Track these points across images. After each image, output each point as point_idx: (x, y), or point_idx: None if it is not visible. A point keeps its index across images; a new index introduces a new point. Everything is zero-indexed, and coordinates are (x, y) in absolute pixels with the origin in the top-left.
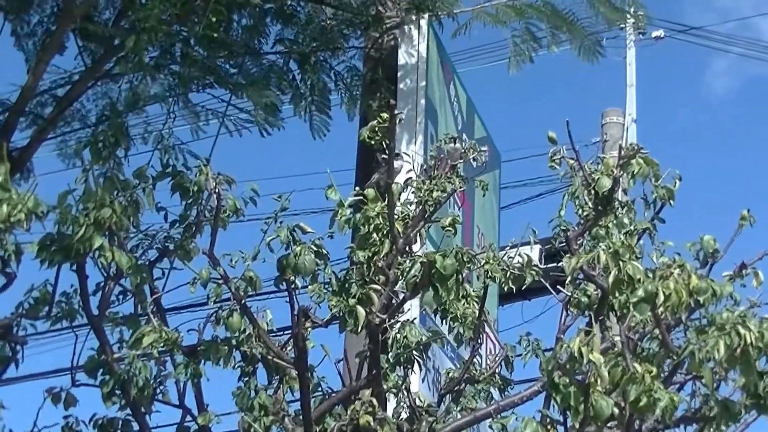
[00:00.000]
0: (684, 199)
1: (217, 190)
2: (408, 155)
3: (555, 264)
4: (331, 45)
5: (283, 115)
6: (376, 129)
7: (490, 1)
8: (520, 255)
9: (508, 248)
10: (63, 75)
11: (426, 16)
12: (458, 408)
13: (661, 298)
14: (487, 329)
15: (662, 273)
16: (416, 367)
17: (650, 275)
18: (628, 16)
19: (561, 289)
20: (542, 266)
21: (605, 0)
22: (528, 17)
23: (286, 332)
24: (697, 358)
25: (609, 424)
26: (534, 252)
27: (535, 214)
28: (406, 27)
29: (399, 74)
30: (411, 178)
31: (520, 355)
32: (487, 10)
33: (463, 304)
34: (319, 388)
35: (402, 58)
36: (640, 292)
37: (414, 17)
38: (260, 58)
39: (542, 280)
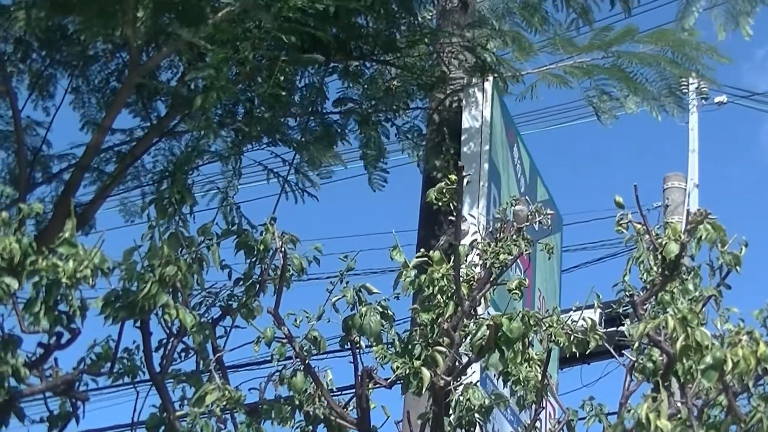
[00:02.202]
0: (746, 264)
1: (283, 249)
2: (473, 217)
3: (615, 328)
4: (395, 105)
5: (341, 174)
6: (444, 190)
7: (555, 63)
8: (583, 319)
9: (572, 312)
10: (126, 131)
11: (490, 78)
12: None
13: (730, 365)
14: (548, 393)
15: (730, 340)
16: (478, 430)
17: (717, 342)
18: (694, 75)
19: (623, 353)
20: (603, 330)
21: (670, 59)
22: (596, 76)
23: (344, 392)
24: (765, 426)
25: None
26: (594, 315)
27: (594, 278)
28: (470, 89)
29: (463, 138)
30: (476, 240)
31: (583, 419)
32: (552, 71)
33: (526, 367)
34: None
35: (466, 120)
36: (709, 359)
37: (478, 79)
38: (323, 117)
39: (606, 344)
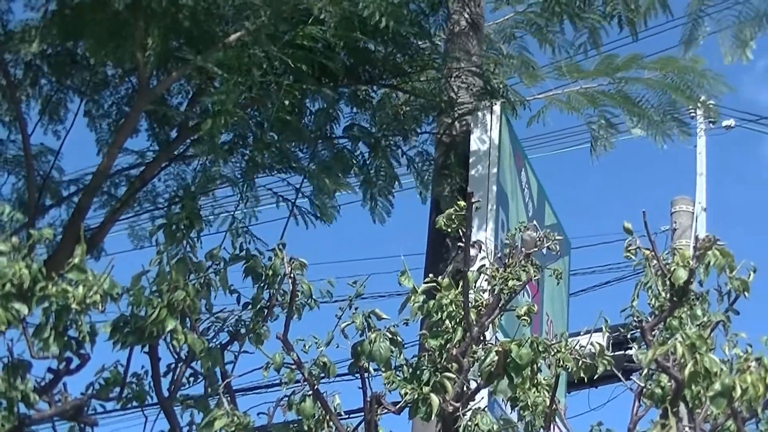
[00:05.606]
0: (755, 288)
1: (292, 275)
2: (481, 242)
3: (623, 352)
4: (403, 129)
5: (351, 197)
6: (453, 217)
7: (561, 88)
8: (592, 344)
9: (580, 335)
10: (136, 155)
11: (498, 102)
12: None
13: (738, 391)
14: (556, 418)
15: (739, 366)
16: None
17: (725, 368)
18: (699, 104)
19: (630, 376)
20: (611, 353)
21: (676, 87)
22: (601, 104)
23: (352, 415)
24: None
25: None
26: (602, 339)
27: (602, 301)
28: (478, 113)
29: (471, 160)
30: (484, 265)
31: None
32: (560, 97)
33: (534, 392)
34: None
35: (474, 144)
36: (717, 386)
37: (487, 104)
38: (332, 143)
39: (614, 369)
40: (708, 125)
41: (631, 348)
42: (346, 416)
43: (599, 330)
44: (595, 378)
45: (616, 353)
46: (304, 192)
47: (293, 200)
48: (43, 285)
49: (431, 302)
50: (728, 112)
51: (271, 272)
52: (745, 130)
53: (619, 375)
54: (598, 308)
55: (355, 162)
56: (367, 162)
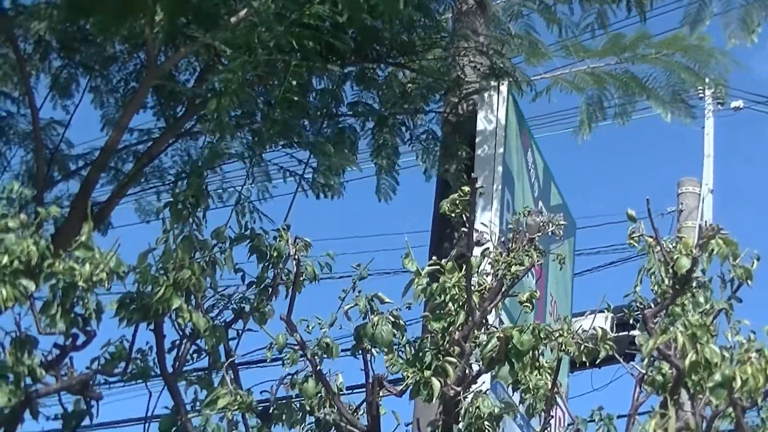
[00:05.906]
0: (759, 275)
1: (296, 257)
2: (485, 225)
3: (627, 333)
4: (410, 108)
5: (358, 173)
6: (457, 201)
7: (569, 67)
8: (594, 328)
9: (585, 316)
10: (143, 131)
11: (505, 82)
12: None
13: (738, 382)
14: (558, 400)
15: (740, 357)
16: None
17: (726, 354)
18: (707, 81)
19: (632, 355)
20: (614, 334)
21: (685, 66)
22: (606, 85)
23: (355, 391)
24: None
25: None
26: (606, 321)
27: (607, 281)
28: (485, 93)
29: (477, 140)
30: (488, 248)
31: (592, 421)
32: (566, 77)
33: (536, 375)
34: None
35: (480, 123)
36: (717, 377)
37: (493, 83)
38: (337, 120)
39: (615, 354)
40: (716, 106)
41: (634, 328)
42: (349, 392)
43: (602, 311)
44: (597, 360)
45: (620, 334)
46: (311, 165)
47: (300, 174)
48: (51, 262)
49: (434, 285)
50: (737, 94)
51: (275, 253)
52: (754, 111)
53: (621, 360)
54: (603, 288)
55: (359, 137)
56: (375, 135)
